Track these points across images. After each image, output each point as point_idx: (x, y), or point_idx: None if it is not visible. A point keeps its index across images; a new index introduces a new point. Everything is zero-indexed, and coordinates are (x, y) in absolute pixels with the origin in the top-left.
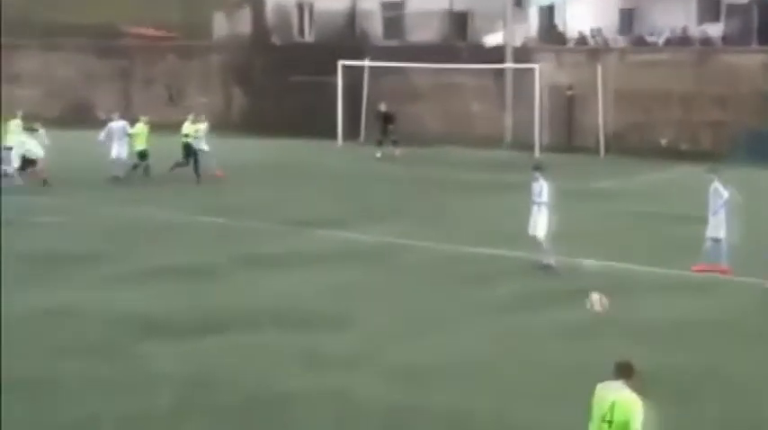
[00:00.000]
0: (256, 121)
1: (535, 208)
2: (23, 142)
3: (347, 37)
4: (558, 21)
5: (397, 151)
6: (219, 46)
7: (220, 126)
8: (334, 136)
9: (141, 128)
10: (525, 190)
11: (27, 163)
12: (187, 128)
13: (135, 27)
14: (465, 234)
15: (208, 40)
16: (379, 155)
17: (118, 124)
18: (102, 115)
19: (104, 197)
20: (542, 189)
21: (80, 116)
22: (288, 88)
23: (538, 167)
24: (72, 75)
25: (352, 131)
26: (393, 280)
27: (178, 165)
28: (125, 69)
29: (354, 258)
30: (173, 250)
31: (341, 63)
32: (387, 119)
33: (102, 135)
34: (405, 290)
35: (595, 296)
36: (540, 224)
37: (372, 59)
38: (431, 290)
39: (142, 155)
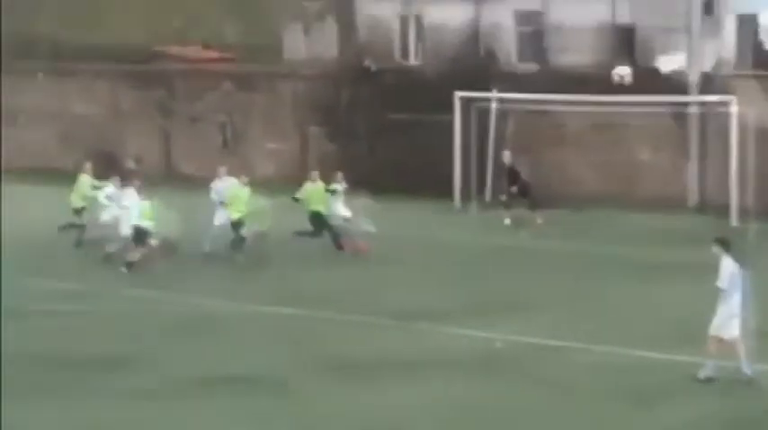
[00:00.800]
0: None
1: (722, 298)
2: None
3: (468, 59)
4: (765, 35)
5: (539, 218)
6: (293, 72)
7: (293, 179)
8: (449, 194)
9: (240, 190)
10: (714, 272)
11: (141, 235)
12: (312, 192)
13: (176, 46)
14: (627, 332)
15: (277, 63)
16: (507, 221)
17: (224, 183)
18: (130, 164)
19: (130, 280)
20: (729, 272)
21: (103, 166)
22: (386, 129)
23: (722, 243)
24: (93, 110)
25: (473, 188)
26: (527, 397)
27: (302, 234)
28: (163, 103)
29: (475, 366)
30: (227, 352)
31: (459, 95)
32: (511, 175)
33: (213, 195)
34: (542, 412)
35: None
36: (729, 321)
37: (502, 90)
38: (577, 412)
39: (237, 224)
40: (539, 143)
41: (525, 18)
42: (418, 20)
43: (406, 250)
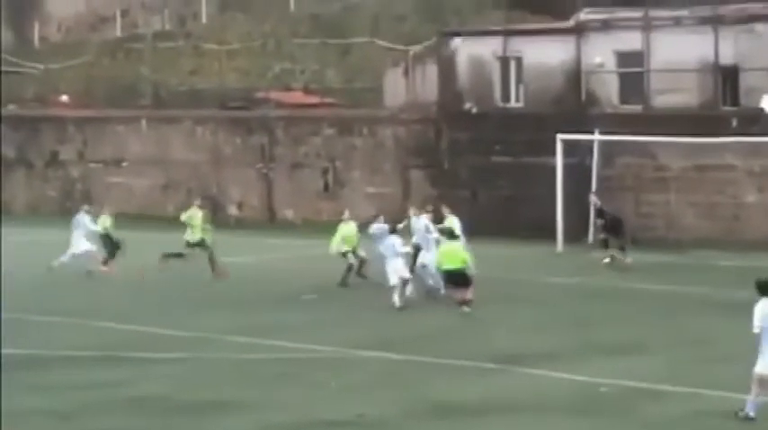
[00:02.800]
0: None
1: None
2: None
3: (569, 101)
4: None
5: (628, 258)
6: (394, 116)
7: (396, 222)
8: (552, 237)
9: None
10: None
11: None
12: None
13: (277, 91)
14: (737, 375)
15: (378, 107)
16: (607, 260)
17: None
18: (233, 210)
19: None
20: (763, 314)
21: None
22: (488, 172)
23: (761, 286)
24: (195, 157)
25: (576, 230)
26: None
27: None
28: (263, 147)
29: (580, 410)
30: (325, 397)
31: (560, 137)
32: (600, 215)
33: (374, 229)
34: None
35: None
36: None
37: (604, 132)
38: None
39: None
40: (640, 184)
41: (628, 59)
42: (518, 61)
43: (506, 292)
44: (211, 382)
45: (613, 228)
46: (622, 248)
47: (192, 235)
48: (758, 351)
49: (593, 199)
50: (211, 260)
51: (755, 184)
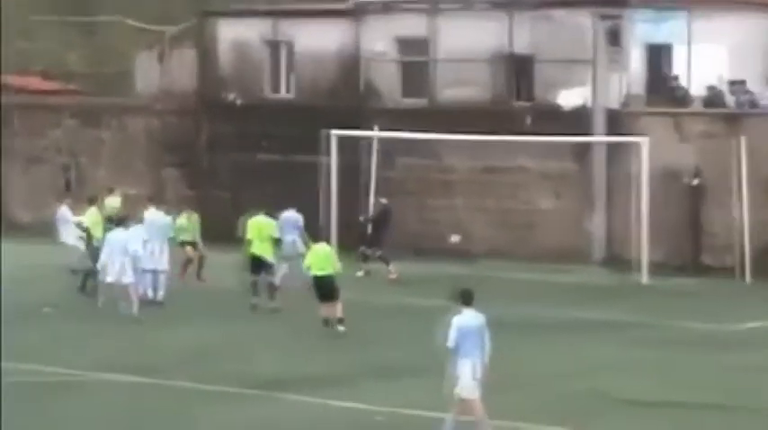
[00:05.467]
0: (203, 221)
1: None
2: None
3: (345, 93)
4: (677, 69)
5: (392, 272)
6: (146, 106)
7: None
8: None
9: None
10: (624, 332)
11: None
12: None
13: (10, 75)
14: (524, 401)
15: (128, 96)
16: (360, 273)
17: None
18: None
19: None
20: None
21: None
22: (253, 171)
23: (466, 296)
24: None
25: (351, 238)
26: None
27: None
28: None
29: None
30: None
31: (335, 133)
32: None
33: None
34: None
35: None
36: None
37: (383, 129)
38: None
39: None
40: (424, 188)
41: (411, 46)
42: (289, 46)
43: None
44: None
45: (373, 237)
46: (384, 260)
47: None
48: (454, 368)
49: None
50: None
51: (551, 189)
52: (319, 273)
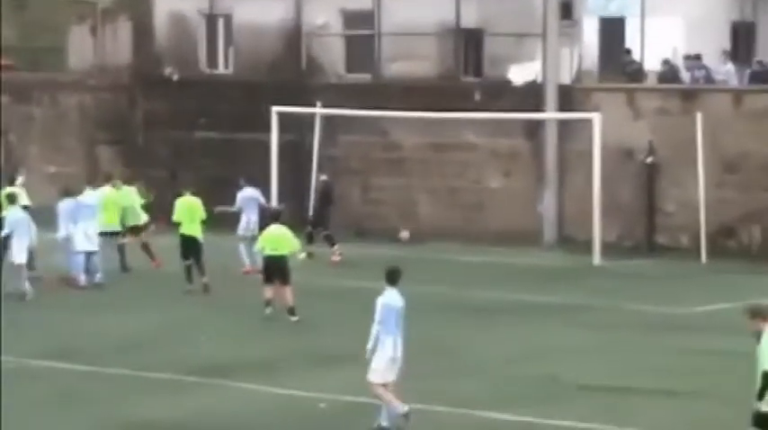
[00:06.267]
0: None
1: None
2: None
3: (287, 68)
4: (630, 42)
5: (336, 254)
6: (79, 82)
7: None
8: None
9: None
10: (575, 315)
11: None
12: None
13: None
14: (475, 387)
15: (60, 71)
16: (303, 255)
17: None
18: None
19: None
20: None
21: None
22: (191, 149)
23: (391, 275)
24: None
25: (293, 218)
26: None
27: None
28: None
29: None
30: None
31: (276, 110)
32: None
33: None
34: None
35: None
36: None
37: (327, 105)
38: None
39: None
40: (369, 166)
41: (356, 19)
42: (227, 19)
43: (214, 291)
44: None
45: (317, 216)
46: (330, 240)
47: None
48: (377, 350)
49: (320, 180)
50: None
51: (501, 168)
52: (272, 253)
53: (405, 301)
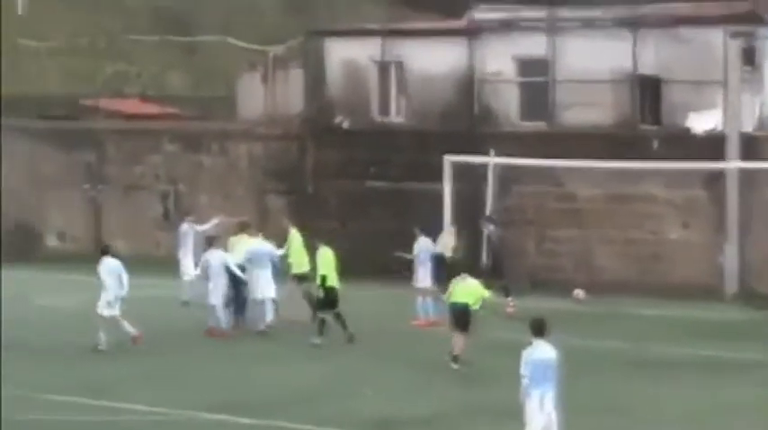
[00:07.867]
0: (308, 251)
1: None
2: None
3: (459, 116)
4: None
5: (511, 305)
6: (249, 130)
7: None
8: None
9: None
10: (758, 372)
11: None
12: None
13: (108, 98)
14: None
15: (230, 120)
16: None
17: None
18: (53, 241)
19: None
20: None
21: (19, 243)
22: (361, 199)
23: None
24: (9, 175)
25: (468, 267)
26: None
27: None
28: (90, 166)
29: None
30: None
31: (449, 159)
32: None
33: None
34: None
35: None
36: None
37: (500, 154)
38: None
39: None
40: (544, 217)
41: (530, 67)
42: (399, 67)
43: (380, 342)
44: None
45: (493, 267)
46: (506, 290)
47: None
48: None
49: (488, 226)
50: None
51: (679, 219)
52: (454, 300)
53: (557, 353)
